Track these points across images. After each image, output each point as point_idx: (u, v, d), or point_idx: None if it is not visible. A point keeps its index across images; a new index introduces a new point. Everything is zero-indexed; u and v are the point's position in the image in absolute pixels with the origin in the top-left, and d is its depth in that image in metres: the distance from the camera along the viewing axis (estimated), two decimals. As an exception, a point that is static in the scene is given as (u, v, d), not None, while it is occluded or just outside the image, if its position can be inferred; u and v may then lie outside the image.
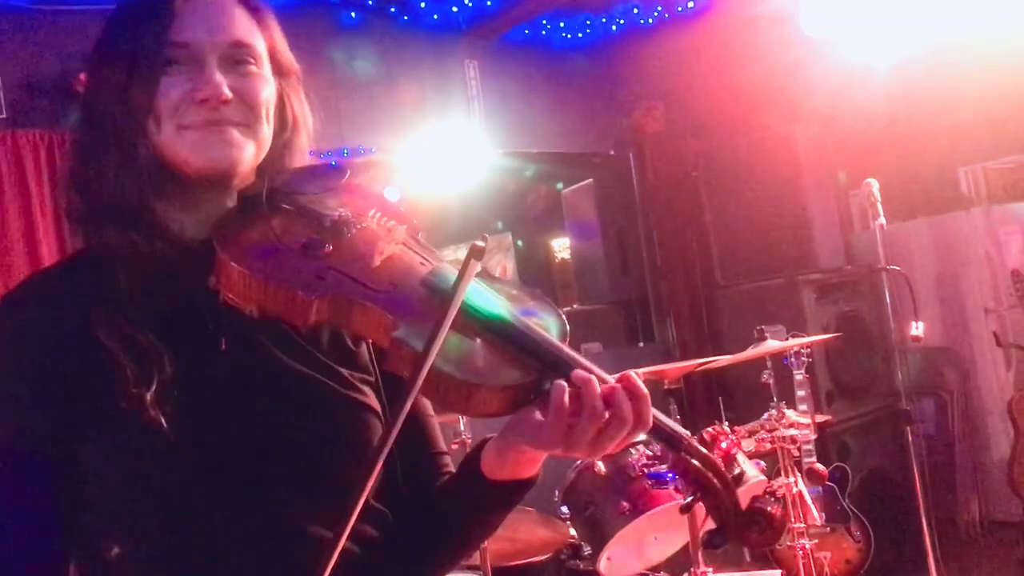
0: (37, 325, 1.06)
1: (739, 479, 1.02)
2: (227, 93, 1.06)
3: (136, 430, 1.00)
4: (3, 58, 3.72)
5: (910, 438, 3.72)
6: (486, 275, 1.07)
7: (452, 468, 1.23)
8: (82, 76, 1.13)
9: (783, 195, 4.91)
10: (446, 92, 4.88)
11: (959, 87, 4.72)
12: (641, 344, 5.77)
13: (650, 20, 5.21)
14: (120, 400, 1.00)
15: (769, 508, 0.98)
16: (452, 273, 1.02)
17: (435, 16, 4.81)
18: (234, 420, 1.05)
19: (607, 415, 0.93)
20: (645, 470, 2.84)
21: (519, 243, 6.81)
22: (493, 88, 5.04)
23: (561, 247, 7.21)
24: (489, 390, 0.94)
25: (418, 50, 4.83)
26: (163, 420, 0.99)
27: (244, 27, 1.11)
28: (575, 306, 5.97)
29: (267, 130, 1.13)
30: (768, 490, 3.30)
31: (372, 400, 1.14)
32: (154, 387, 1.00)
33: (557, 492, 3.07)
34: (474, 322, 0.99)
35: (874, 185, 3.74)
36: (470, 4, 4.78)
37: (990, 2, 4.19)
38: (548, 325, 1.02)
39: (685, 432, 1.02)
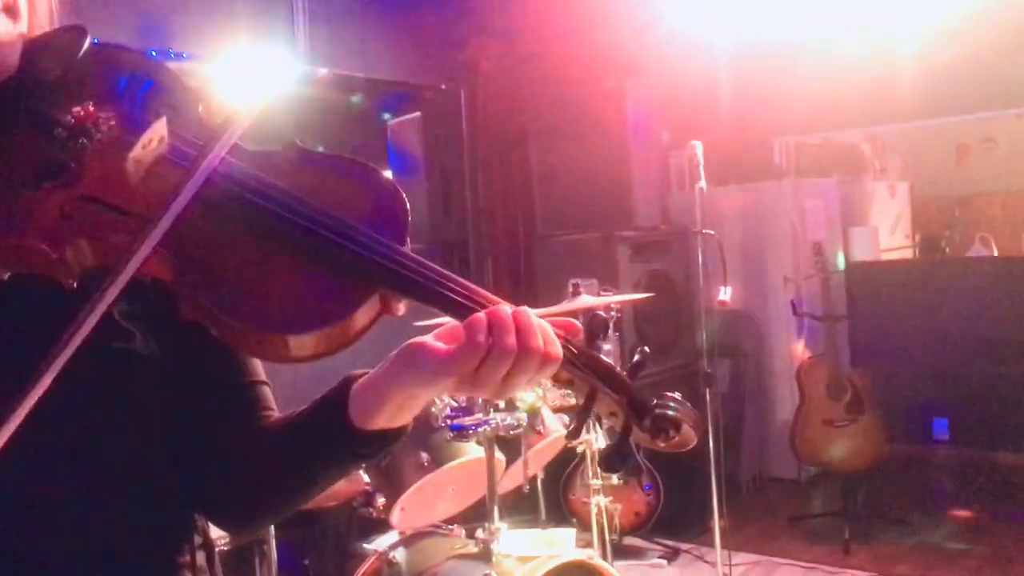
0: None
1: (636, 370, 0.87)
2: None
3: None
4: None
5: (708, 398, 3.82)
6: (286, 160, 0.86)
7: (272, 404, 1.02)
8: None
9: (608, 149, 4.91)
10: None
11: (784, 65, 4.89)
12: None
13: (494, -47, 5.02)
14: None
15: (670, 411, 0.84)
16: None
17: (263, -85, 4.43)
18: None
19: (524, 347, 0.79)
20: (448, 421, 2.75)
21: (339, 171, 6.54)
22: (321, 1, 4.72)
23: (383, 179, 7.01)
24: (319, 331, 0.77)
25: (240, -51, 4.44)
26: None
27: None
28: (392, 243, 5.80)
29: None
30: (567, 446, 3.32)
31: (138, 343, 0.91)
32: None
33: (354, 438, 2.93)
34: (278, 239, 0.80)
35: (698, 147, 3.76)
36: (303, -93, 4.43)
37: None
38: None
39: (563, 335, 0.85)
